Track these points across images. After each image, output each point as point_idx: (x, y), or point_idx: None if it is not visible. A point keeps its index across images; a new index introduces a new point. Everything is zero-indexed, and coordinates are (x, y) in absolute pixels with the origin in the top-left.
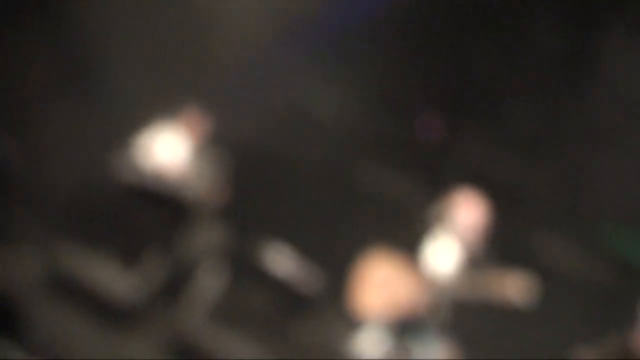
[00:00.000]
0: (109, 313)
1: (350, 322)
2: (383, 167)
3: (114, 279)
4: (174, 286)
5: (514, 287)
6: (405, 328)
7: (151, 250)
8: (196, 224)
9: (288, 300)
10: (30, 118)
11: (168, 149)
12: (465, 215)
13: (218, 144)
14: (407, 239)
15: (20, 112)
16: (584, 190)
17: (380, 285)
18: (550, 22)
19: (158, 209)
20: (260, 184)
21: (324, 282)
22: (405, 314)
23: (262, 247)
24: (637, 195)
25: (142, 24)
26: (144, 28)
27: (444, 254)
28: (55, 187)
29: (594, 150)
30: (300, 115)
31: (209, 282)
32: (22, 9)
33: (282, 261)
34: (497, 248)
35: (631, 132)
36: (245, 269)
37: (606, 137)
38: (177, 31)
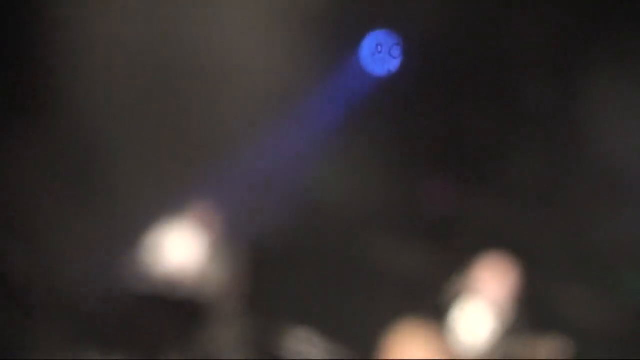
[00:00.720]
0: None
1: None
2: (398, 241)
3: None
4: None
5: (548, 353)
6: None
7: (169, 355)
8: (216, 323)
9: None
10: (35, 225)
11: (180, 249)
12: (493, 281)
13: (231, 238)
14: (432, 312)
15: (25, 219)
16: (597, 240)
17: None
18: (543, 75)
19: (173, 314)
20: (277, 274)
21: None
22: None
23: (286, 336)
24: None
25: (147, 121)
26: (149, 123)
27: (475, 324)
28: (66, 294)
29: (601, 197)
30: (310, 199)
31: None
32: (19, 114)
33: (308, 349)
34: (525, 311)
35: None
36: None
37: (611, 183)
38: (181, 123)
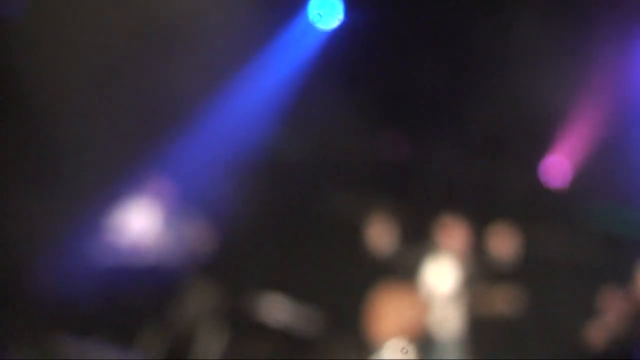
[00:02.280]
0: None
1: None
2: (356, 194)
3: None
4: (177, 356)
5: (503, 300)
6: (421, 348)
7: (147, 326)
8: (186, 289)
9: (291, 348)
10: None
11: (142, 222)
12: (454, 234)
13: (191, 204)
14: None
15: None
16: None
17: (389, 313)
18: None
19: (144, 283)
20: (241, 236)
21: (325, 321)
22: (415, 335)
23: (256, 300)
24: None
25: (101, 93)
26: (102, 96)
27: (442, 275)
28: (36, 281)
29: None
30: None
31: (210, 344)
32: None
33: (278, 310)
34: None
35: None
36: (243, 324)
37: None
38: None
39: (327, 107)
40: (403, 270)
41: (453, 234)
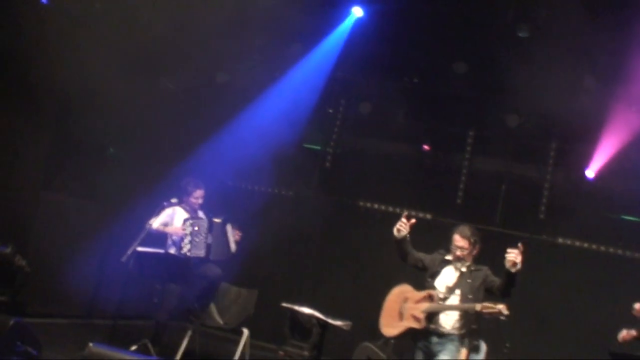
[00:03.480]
0: None
1: None
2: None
3: None
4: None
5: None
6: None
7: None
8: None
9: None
10: None
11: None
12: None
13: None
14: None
15: None
16: None
17: (393, 311)
18: None
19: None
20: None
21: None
22: (420, 330)
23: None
24: None
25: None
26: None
27: (445, 275)
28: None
29: None
30: None
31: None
32: None
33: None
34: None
35: None
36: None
37: None
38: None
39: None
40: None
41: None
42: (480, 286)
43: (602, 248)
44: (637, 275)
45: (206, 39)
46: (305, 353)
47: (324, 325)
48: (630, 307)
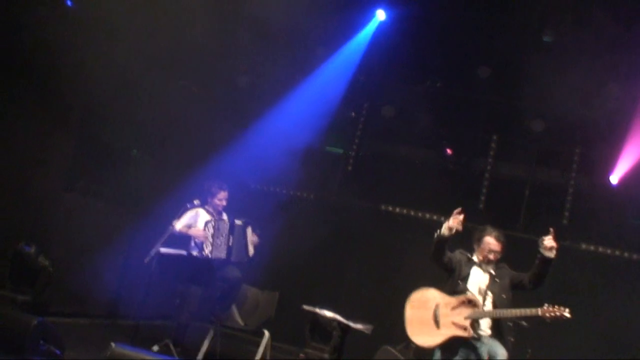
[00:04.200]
0: None
1: None
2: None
3: None
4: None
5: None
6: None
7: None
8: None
9: None
10: None
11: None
12: (494, 245)
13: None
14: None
15: None
16: None
17: (424, 318)
18: None
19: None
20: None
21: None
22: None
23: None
24: None
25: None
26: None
27: (475, 277)
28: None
29: None
30: None
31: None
32: None
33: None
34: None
35: None
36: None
37: None
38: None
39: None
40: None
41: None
42: (509, 284)
43: (626, 254)
44: None
45: (230, 41)
46: (326, 356)
47: (345, 328)
48: None
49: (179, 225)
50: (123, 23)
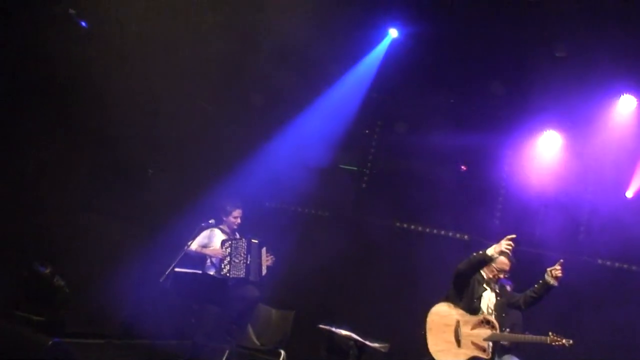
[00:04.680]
0: None
1: None
2: None
3: None
4: None
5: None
6: None
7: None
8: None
9: None
10: None
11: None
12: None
13: None
14: None
15: None
16: None
17: (446, 335)
18: None
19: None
20: None
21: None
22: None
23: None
24: None
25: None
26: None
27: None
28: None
29: None
30: None
31: None
32: None
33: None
34: None
35: None
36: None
37: None
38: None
39: None
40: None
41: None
42: (506, 303)
43: None
44: None
45: (246, 59)
46: None
47: (361, 346)
48: None
49: (195, 245)
50: (138, 42)
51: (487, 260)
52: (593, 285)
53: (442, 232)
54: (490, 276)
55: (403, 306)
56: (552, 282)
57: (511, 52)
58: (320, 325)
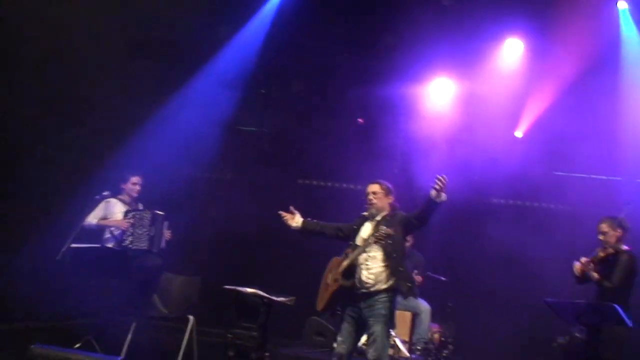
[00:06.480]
0: None
1: None
2: None
3: None
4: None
5: None
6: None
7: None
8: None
9: None
10: None
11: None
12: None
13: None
14: None
15: None
16: None
17: (323, 284)
18: None
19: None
20: None
21: None
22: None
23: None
24: None
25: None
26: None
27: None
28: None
29: None
30: None
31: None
32: None
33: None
34: None
35: None
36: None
37: None
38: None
39: None
40: None
41: None
42: (391, 224)
43: (537, 204)
44: (567, 226)
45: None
46: (254, 334)
47: (268, 302)
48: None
49: (95, 218)
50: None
51: (301, 232)
52: (492, 223)
53: (344, 186)
54: (372, 211)
55: (308, 263)
56: (433, 194)
57: (400, 3)
58: (226, 287)
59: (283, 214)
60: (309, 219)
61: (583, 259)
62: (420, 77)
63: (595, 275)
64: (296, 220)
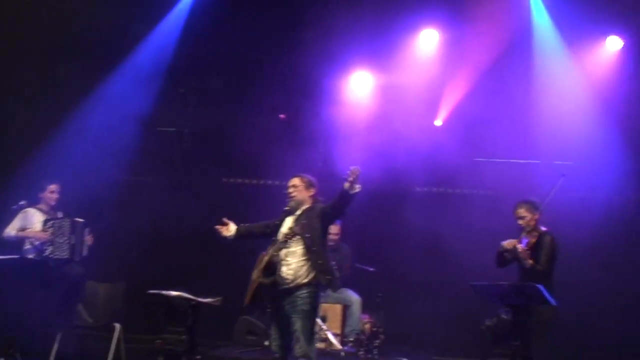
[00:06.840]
0: None
1: None
2: None
3: None
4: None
5: None
6: None
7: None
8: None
9: None
10: None
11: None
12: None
13: None
14: None
15: None
16: None
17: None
18: None
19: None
20: None
21: None
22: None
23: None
24: None
25: None
26: None
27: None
28: None
29: None
30: None
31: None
32: None
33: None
34: None
35: None
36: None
37: None
38: None
39: None
40: None
41: None
42: (312, 216)
43: (458, 190)
44: (488, 210)
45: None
46: (184, 337)
47: (195, 305)
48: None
49: (13, 230)
50: None
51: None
52: (415, 211)
53: (269, 182)
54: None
55: (237, 261)
56: (346, 185)
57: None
58: (150, 291)
59: (218, 228)
60: (241, 224)
61: (508, 242)
62: (340, 71)
63: (530, 261)
64: (230, 229)
